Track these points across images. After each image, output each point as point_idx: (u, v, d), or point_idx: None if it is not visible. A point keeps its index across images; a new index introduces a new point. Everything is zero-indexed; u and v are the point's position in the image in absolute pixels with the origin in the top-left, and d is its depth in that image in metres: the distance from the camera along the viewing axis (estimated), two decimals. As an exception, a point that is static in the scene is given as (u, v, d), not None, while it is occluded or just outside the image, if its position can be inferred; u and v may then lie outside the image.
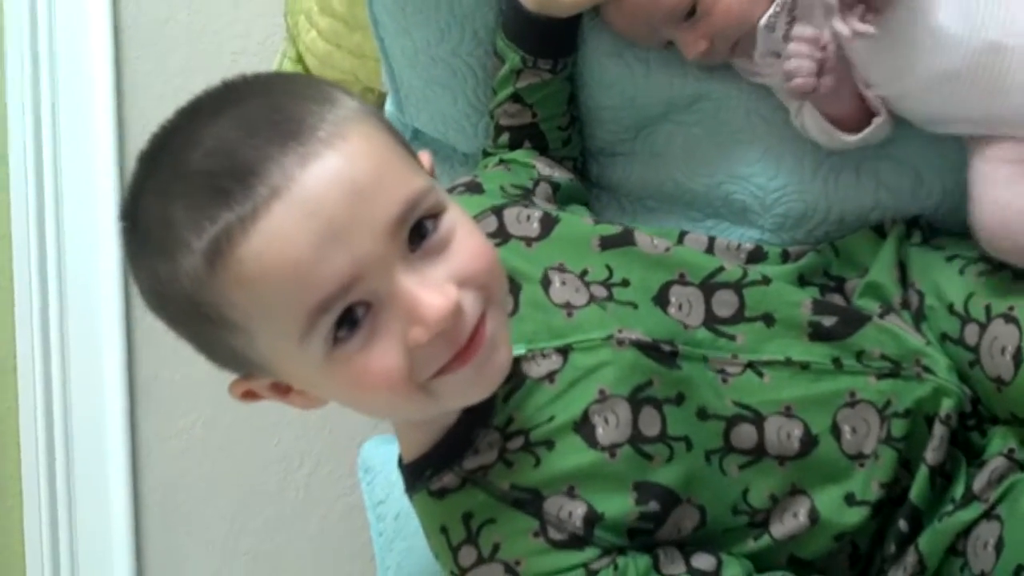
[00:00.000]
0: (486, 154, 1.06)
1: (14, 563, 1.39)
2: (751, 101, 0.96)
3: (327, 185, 0.63)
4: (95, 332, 1.41)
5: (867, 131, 0.88)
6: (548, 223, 0.89)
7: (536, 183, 0.98)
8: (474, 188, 0.94)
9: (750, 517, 0.80)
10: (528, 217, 0.89)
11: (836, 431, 0.81)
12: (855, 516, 0.80)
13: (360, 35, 1.26)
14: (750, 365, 0.83)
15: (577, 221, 0.90)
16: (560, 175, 1.01)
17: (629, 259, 0.86)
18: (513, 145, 1.03)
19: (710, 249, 0.92)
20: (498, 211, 0.89)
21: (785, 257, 0.92)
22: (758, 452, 0.81)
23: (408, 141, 1.17)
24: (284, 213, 0.62)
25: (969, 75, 0.81)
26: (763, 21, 0.89)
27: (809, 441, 0.81)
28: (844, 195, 0.94)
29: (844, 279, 0.92)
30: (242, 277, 0.63)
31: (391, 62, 1.09)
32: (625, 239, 0.88)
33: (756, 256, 0.92)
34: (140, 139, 0.69)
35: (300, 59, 1.44)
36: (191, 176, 0.64)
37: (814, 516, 0.80)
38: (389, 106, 1.18)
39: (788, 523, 0.80)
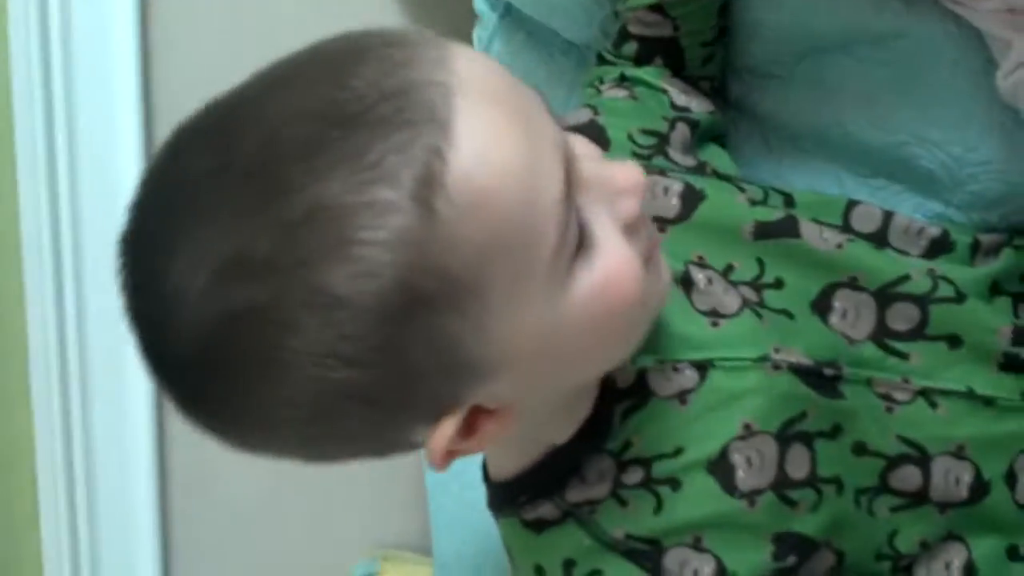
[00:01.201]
0: (602, 60, 0.86)
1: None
2: (960, 49, 0.75)
3: (486, 71, 0.52)
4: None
5: None
6: (691, 199, 0.72)
7: (672, 123, 0.80)
8: (597, 137, 0.76)
9: (894, 562, 0.70)
10: (666, 190, 0.72)
11: (1011, 478, 0.69)
12: (1018, 573, 0.69)
13: None
14: (923, 392, 0.69)
15: (727, 199, 0.73)
16: (698, 106, 0.82)
17: (788, 254, 0.71)
18: (641, 58, 0.84)
19: (885, 228, 0.75)
20: None
21: (975, 249, 0.75)
22: (919, 497, 0.69)
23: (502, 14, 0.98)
24: (474, 108, 0.50)
25: None
26: None
27: (980, 488, 0.69)
28: (1057, 178, 0.76)
29: None
30: (470, 210, 0.49)
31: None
32: (787, 229, 0.71)
33: (941, 246, 0.75)
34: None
35: None
36: (334, 121, 0.49)
37: (970, 569, 0.69)
38: (478, -30, 0.97)
39: (938, 573, 0.70)
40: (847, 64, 0.80)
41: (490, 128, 0.50)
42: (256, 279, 0.48)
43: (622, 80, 0.83)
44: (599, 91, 0.83)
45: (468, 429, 0.57)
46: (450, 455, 0.57)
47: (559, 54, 0.94)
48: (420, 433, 0.55)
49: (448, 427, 0.55)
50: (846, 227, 0.75)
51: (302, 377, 0.49)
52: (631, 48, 0.83)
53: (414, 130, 0.48)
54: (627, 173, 0.56)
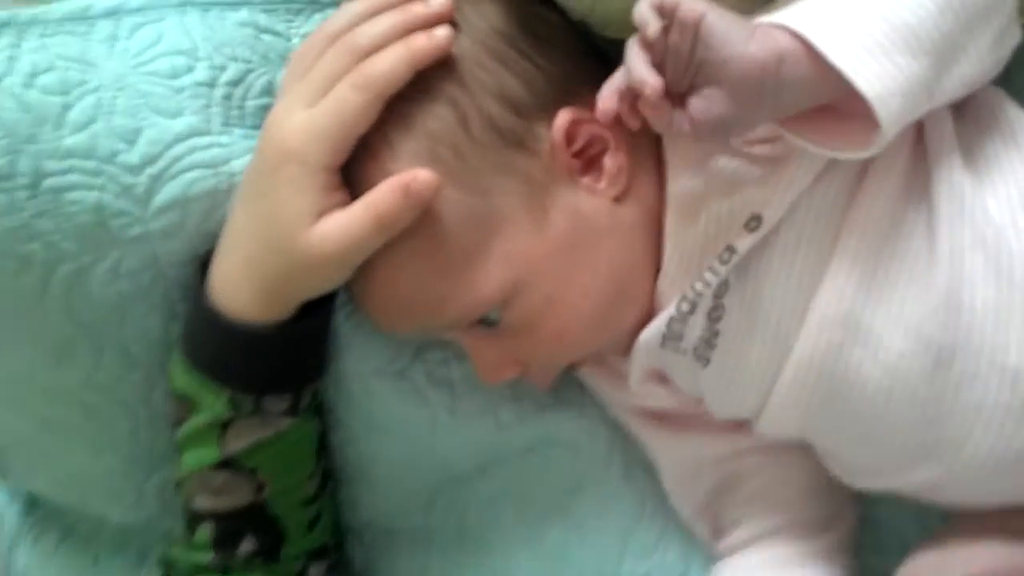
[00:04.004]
0: (168, 565, 0.59)
1: None
2: (630, 443, 0.58)
3: None
4: None
5: None
6: None
7: None
8: None
9: None
10: None
11: None
12: None
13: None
14: None
15: None
16: None
17: None
18: (222, 544, 0.58)
19: None
20: None
21: None
22: None
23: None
24: None
25: None
26: (653, 331, 0.53)
27: None
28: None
29: None
30: None
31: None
32: None
33: None
34: None
35: None
36: None
37: None
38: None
39: None
40: (491, 494, 0.62)
41: None
42: None
43: None
44: None
45: None
46: None
47: (106, 556, 0.68)
48: None
49: None
50: None
51: None
52: (206, 532, 0.58)
53: None
54: None
